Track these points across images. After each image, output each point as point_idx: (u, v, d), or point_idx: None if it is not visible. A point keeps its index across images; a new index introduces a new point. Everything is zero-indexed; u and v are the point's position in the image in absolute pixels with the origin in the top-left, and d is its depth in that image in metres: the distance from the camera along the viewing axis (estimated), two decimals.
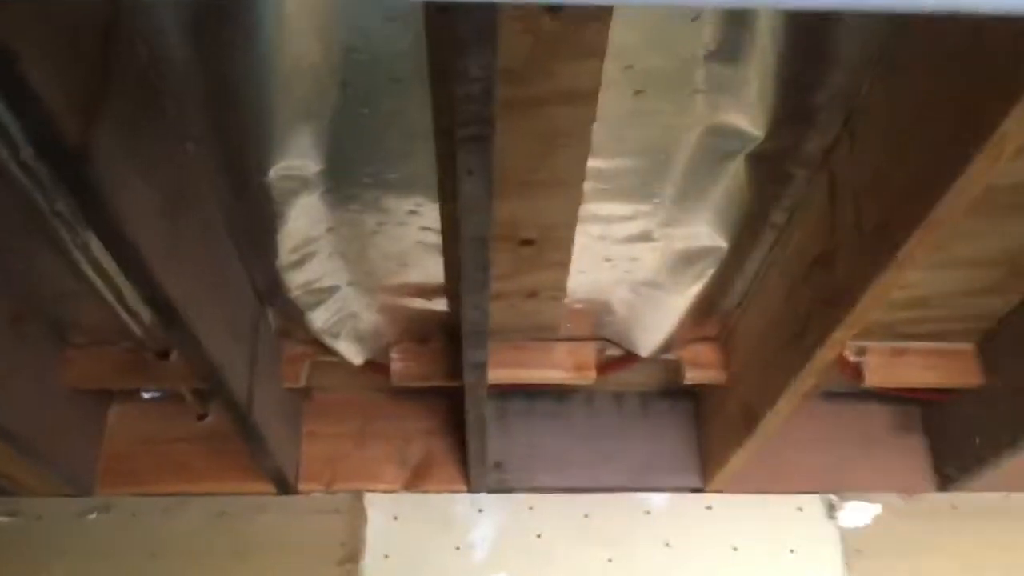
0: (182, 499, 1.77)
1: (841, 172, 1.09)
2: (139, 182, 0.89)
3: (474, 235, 0.89)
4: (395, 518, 1.75)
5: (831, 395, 1.82)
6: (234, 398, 1.27)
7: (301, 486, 1.76)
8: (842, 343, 1.20)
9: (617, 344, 1.60)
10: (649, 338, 1.54)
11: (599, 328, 1.56)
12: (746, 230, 1.25)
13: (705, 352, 1.59)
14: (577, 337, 1.59)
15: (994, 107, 0.78)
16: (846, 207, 1.09)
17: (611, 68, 0.94)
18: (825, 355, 1.22)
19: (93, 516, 1.76)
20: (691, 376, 1.58)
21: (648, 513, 1.80)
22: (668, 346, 1.57)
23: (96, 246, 1.24)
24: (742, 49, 0.95)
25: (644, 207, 1.20)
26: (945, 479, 1.81)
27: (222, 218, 1.18)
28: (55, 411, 1.55)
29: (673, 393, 1.86)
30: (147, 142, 0.92)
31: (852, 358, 1.58)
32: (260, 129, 1.03)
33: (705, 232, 1.25)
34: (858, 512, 1.81)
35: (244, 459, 1.75)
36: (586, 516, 1.78)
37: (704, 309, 1.48)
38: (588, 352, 1.59)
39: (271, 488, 1.74)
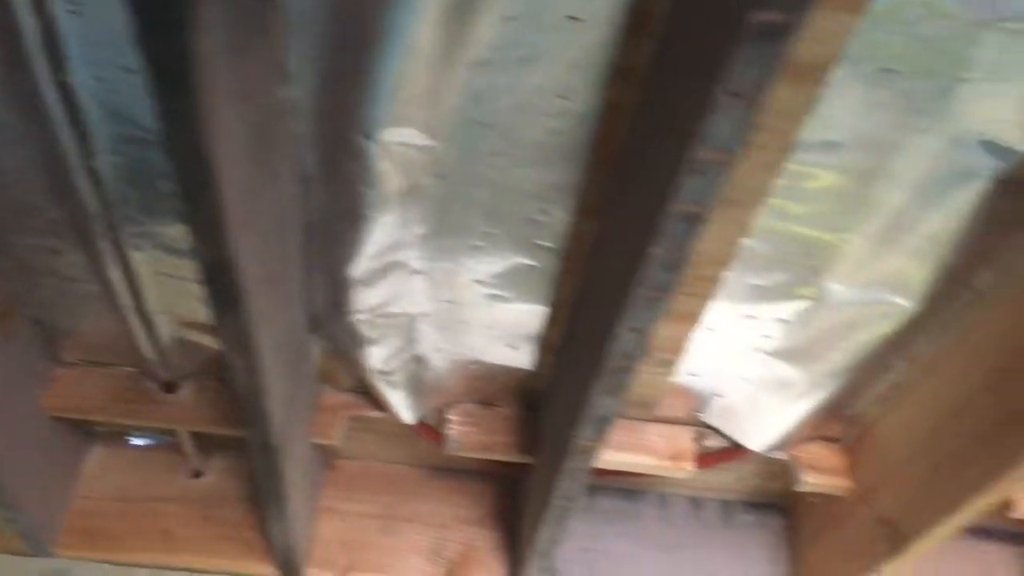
0: (156, 573, 1.44)
1: None
2: (233, 100, 0.64)
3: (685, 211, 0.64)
4: None
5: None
6: (271, 440, 0.98)
7: (309, 572, 1.43)
8: None
9: (719, 433, 1.33)
10: (766, 429, 1.27)
11: (701, 410, 1.30)
12: (942, 290, 1.00)
13: (826, 455, 1.32)
14: (672, 419, 1.32)
15: None
16: None
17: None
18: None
19: None
20: (809, 482, 1.31)
21: None
22: (784, 442, 1.30)
23: (129, 226, 0.98)
24: None
25: (827, 236, 0.96)
26: None
27: (299, 196, 0.92)
28: (29, 443, 1.24)
29: (760, 505, 1.57)
30: (247, 58, 0.67)
31: None
32: (382, 79, 0.79)
33: (891, 284, 1.00)
34: None
35: (243, 531, 1.44)
36: None
37: (839, 399, 1.23)
38: (685, 439, 1.31)
39: (271, 571, 1.41)
